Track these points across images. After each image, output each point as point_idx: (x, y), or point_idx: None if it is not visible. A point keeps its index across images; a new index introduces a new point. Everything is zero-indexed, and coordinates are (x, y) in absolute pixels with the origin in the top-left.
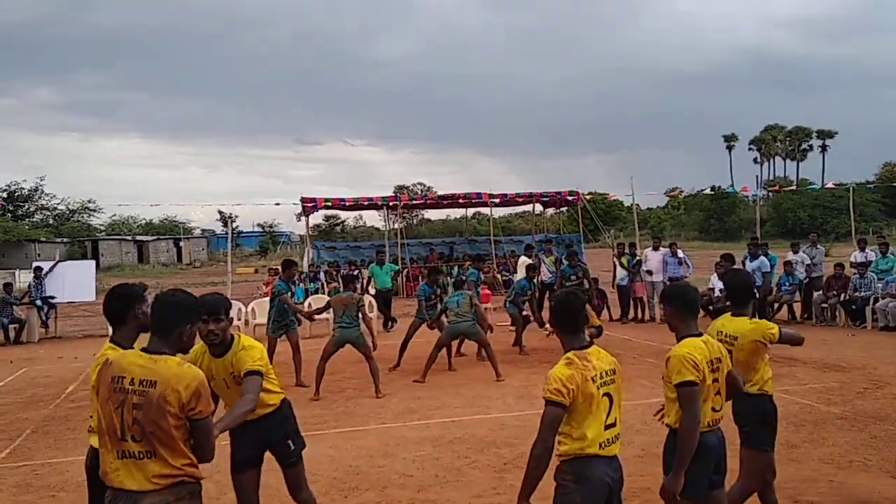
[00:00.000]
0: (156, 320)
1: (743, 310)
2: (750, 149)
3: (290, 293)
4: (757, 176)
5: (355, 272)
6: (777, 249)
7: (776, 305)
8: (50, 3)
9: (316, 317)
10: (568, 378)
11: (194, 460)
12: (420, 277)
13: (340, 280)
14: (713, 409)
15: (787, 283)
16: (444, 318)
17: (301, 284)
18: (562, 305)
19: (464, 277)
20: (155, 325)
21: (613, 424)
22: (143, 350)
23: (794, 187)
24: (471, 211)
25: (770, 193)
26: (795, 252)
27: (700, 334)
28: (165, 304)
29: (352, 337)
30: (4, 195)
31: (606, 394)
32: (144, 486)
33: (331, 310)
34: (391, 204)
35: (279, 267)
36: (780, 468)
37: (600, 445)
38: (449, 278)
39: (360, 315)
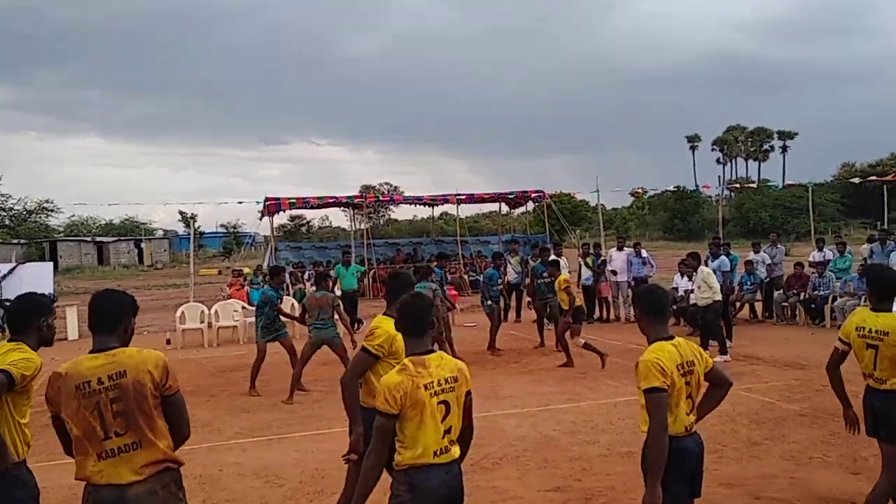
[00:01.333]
0: (99, 318)
1: (887, 305)
2: (713, 149)
3: (280, 300)
4: (719, 176)
5: (330, 271)
6: (739, 249)
7: (738, 304)
8: None
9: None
10: (396, 386)
11: (172, 443)
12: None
13: (314, 279)
14: (687, 414)
15: (749, 283)
16: None
17: (265, 286)
18: (407, 308)
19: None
20: (99, 323)
21: (449, 431)
22: (93, 352)
23: (754, 186)
24: (437, 211)
25: (732, 193)
26: (756, 252)
27: (671, 337)
28: (106, 300)
29: (328, 337)
30: None
31: (444, 401)
32: (131, 477)
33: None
34: (357, 202)
35: (242, 269)
36: (741, 465)
37: (435, 453)
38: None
39: (336, 315)
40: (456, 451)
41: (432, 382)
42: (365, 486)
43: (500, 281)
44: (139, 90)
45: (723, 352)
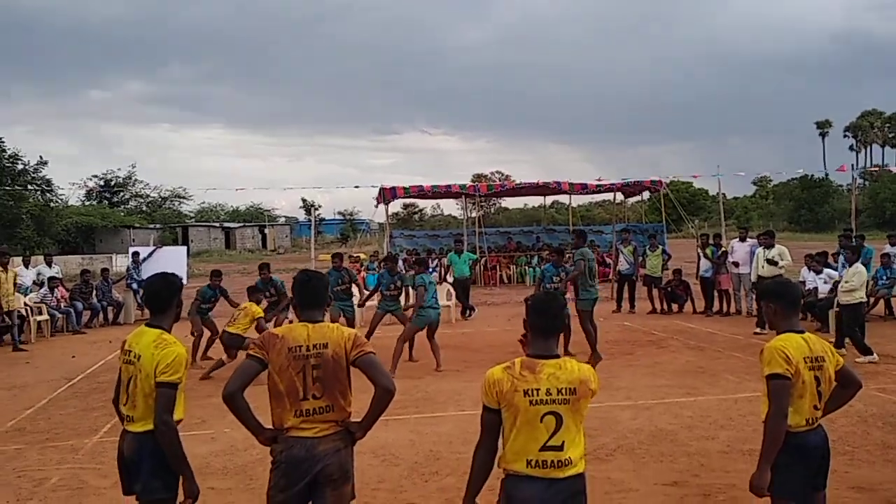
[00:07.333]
0: (308, 296)
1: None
2: (845, 136)
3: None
4: (853, 164)
5: (443, 258)
6: (873, 241)
7: (871, 300)
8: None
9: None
10: (494, 382)
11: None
12: (498, 266)
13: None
14: (814, 407)
15: (885, 277)
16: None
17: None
18: (536, 306)
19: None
20: (307, 301)
21: (559, 448)
22: (303, 321)
23: (893, 171)
24: (549, 199)
25: (866, 182)
26: (893, 244)
27: (802, 331)
28: (311, 281)
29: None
30: (101, 183)
31: (552, 412)
32: (321, 433)
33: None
34: (469, 192)
35: (359, 255)
36: (874, 469)
37: (528, 463)
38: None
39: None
40: (568, 470)
41: (537, 390)
42: (476, 478)
43: (555, 280)
44: (260, 85)
45: (866, 352)
